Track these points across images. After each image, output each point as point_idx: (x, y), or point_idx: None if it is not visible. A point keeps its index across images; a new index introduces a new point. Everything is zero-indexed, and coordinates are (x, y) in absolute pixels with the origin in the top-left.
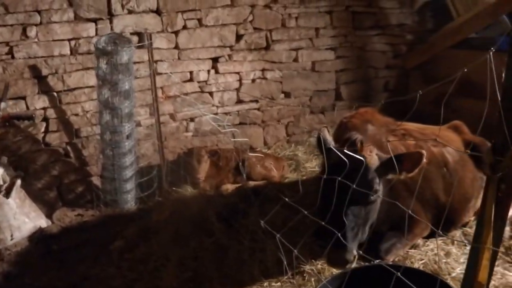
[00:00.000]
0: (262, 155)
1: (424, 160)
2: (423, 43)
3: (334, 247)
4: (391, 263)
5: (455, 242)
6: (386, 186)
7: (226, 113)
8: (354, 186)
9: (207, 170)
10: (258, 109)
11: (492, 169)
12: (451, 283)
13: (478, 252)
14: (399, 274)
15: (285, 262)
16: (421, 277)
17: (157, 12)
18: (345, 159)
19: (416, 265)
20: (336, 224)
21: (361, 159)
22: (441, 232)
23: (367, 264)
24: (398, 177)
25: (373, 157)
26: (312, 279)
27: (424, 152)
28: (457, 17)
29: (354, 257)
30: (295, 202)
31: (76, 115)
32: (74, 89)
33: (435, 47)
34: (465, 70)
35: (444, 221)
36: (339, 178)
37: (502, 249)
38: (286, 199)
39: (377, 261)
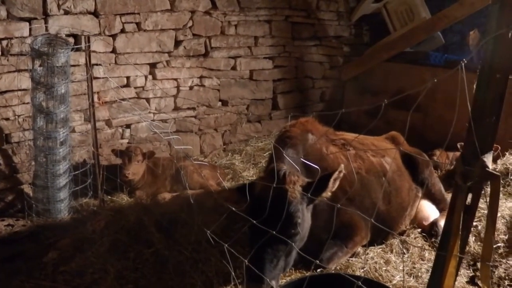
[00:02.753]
0: (207, 163)
1: (343, 172)
2: (360, 55)
3: (251, 280)
4: (332, 271)
5: (394, 250)
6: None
7: (163, 120)
8: (275, 219)
9: (141, 172)
10: (195, 116)
11: (462, 178)
12: None
13: (444, 260)
14: (359, 283)
15: (232, 272)
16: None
17: (95, 14)
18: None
19: (357, 273)
20: (258, 258)
21: (281, 197)
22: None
23: (322, 272)
24: (325, 197)
25: (296, 189)
26: None
27: (342, 166)
28: (393, 32)
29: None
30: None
31: (7, 119)
32: (5, 92)
33: (371, 60)
34: (435, 80)
35: (382, 229)
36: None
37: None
38: (233, 209)
39: (319, 270)
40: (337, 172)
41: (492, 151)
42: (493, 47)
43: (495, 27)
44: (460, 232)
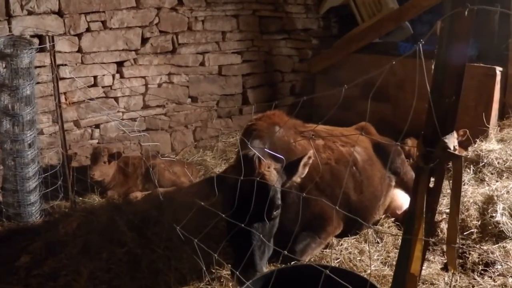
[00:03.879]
0: (175, 159)
1: (312, 158)
2: (328, 47)
3: (244, 271)
4: (306, 263)
5: (368, 240)
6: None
7: (132, 119)
8: (256, 205)
9: (110, 173)
10: (165, 114)
11: (423, 160)
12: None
13: (410, 244)
14: (327, 271)
15: (204, 268)
16: (346, 276)
17: (59, 13)
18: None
19: (332, 264)
20: (243, 245)
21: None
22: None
23: (289, 265)
24: (293, 182)
25: (272, 173)
26: (230, 284)
27: (310, 153)
28: (362, 23)
29: None
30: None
31: None
32: None
33: (340, 51)
34: (393, 62)
35: (355, 219)
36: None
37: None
38: (202, 203)
39: (293, 262)
40: (306, 157)
41: (454, 132)
42: (450, 27)
43: (451, 6)
44: (424, 215)
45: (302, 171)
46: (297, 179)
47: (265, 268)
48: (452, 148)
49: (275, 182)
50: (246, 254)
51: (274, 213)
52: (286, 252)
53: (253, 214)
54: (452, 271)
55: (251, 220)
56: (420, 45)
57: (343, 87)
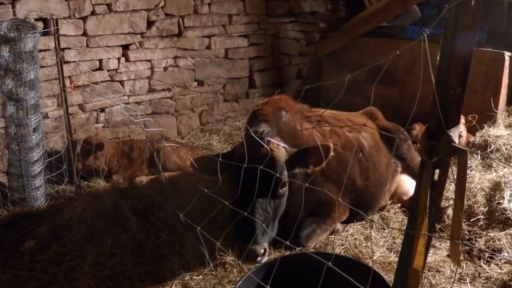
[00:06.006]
0: (178, 145)
1: (332, 153)
2: (336, 31)
3: (243, 241)
4: (312, 249)
5: (374, 226)
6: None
7: (137, 103)
8: (262, 181)
9: (98, 162)
10: (171, 98)
11: (427, 154)
12: (374, 266)
13: (413, 239)
14: (330, 264)
15: (206, 255)
16: (350, 265)
17: None
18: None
19: (337, 250)
20: (246, 220)
21: (267, 157)
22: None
23: (293, 252)
24: (305, 171)
25: (280, 150)
26: (234, 270)
27: (331, 145)
28: (369, 6)
29: (265, 250)
30: (213, 193)
31: None
32: None
33: (347, 35)
34: (397, 52)
35: (361, 205)
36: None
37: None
38: (205, 190)
39: (298, 248)
40: (330, 153)
41: (459, 125)
42: (455, 16)
43: None
44: (427, 210)
45: (319, 164)
46: (310, 169)
47: (266, 244)
48: (457, 141)
49: (282, 159)
50: (249, 227)
51: (280, 190)
52: (290, 238)
53: (259, 190)
54: (455, 266)
55: (257, 195)
56: (425, 34)
57: (346, 76)
